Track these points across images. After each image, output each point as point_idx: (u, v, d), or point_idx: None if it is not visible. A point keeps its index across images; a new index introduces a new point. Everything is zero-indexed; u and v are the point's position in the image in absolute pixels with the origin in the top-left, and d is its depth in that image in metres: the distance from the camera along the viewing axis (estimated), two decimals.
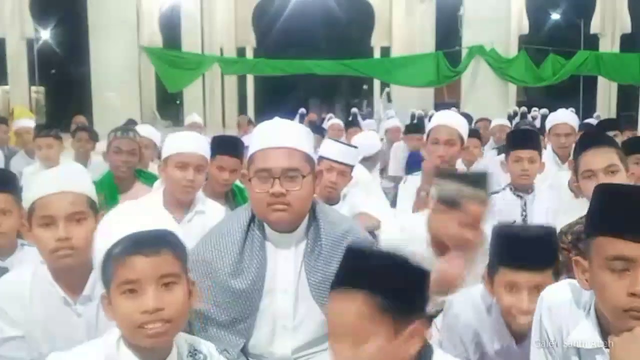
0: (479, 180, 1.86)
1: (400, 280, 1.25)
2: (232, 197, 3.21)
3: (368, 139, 4.91)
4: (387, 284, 1.23)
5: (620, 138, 4.79)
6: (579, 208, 3.44)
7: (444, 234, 1.79)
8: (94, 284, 1.78)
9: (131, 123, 6.75)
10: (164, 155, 2.70)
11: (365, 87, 16.72)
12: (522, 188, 3.11)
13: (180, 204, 2.67)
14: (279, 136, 1.81)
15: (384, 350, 1.23)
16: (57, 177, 1.81)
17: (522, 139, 3.25)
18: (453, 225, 1.77)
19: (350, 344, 1.23)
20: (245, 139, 3.99)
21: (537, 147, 3.18)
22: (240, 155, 3.15)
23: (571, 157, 3.52)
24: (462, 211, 1.77)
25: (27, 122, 6.36)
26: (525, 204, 3.10)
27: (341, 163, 3.15)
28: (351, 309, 1.23)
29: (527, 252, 1.69)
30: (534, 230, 1.77)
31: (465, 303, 1.89)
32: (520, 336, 1.78)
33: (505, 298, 1.72)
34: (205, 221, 2.62)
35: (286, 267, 1.87)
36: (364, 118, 12.77)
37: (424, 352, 1.33)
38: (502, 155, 4.09)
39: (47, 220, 1.74)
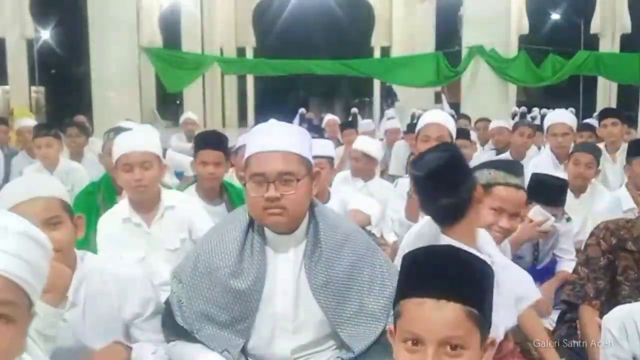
0: (512, 167, 2.18)
1: (488, 292, 1.22)
2: (226, 194, 3.21)
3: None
4: (480, 296, 1.19)
5: (619, 128, 4.80)
6: (580, 208, 3.47)
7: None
8: (77, 288, 1.77)
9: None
10: (113, 158, 2.65)
11: (387, 84, 16.21)
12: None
13: (146, 203, 2.62)
14: (273, 140, 1.80)
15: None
16: (25, 185, 1.78)
17: None
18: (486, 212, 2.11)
19: (443, 354, 1.15)
20: (241, 139, 4.04)
21: None
22: (222, 148, 3.17)
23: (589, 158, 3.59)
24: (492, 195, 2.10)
25: (28, 121, 6.37)
26: None
27: (315, 157, 3.16)
28: (451, 320, 1.15)
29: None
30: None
31: None
32: None
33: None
34: (178, 214, 2.62)
35: (286, 269, 1.87)
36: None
37: None
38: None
39: None
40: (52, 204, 1.74)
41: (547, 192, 2.93)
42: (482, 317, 1.17)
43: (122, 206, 2.65)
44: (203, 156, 3.09)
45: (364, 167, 4.20)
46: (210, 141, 3.18)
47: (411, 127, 6.53)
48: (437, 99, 14.95)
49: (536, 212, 2.89)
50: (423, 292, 1.17)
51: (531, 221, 2.85)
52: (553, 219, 2.88)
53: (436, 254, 1.24)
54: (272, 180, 1.76)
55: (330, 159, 3.29)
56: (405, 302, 1.19)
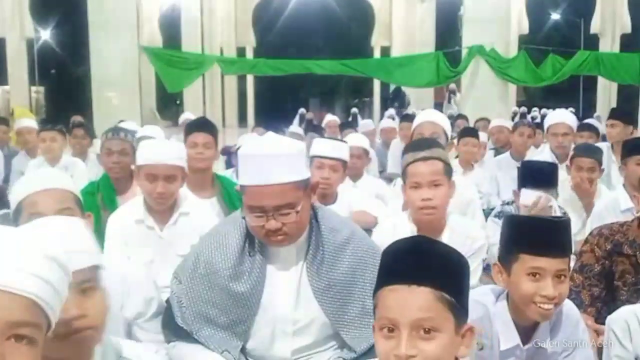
0: (419, 144, 2.35)
1: (460, 278, 1.26)
2: (219, 185, 3.20)
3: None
4: (452, 281, 1.23)
5: (619, 129, 4.79)
6: (584, 209, 3.46)
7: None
8: None
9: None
10: (137, 162, 2.64)
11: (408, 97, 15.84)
12: None
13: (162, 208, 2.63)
14: (268, 172, 1.72)
15: (448, 345, 1.20)
16: (40, 177, 1.82)
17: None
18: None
19: (417, 338, 1.18)
20: (241, 139, 4.02)
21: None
22: (211, 132, 3.23)
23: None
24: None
25: (28, 122, 6.38)
26: None
27: (331, 158, 3.16)
28: (422, 303, 1.18)
29: (551, 238, 1.65)
30: (551, 219, 1.72)
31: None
32: (526, 336, 1.76)
33: (528, 285, 1.66)
34: (191, 222, 2.61)
35: (286, 272, 1.86)
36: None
37: None
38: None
39: (35, 218, 1.65)
40: (65, 195, 1.76)
41: (536, 174, 2.98)
42: (455, 302, 1.20)
43: (136, 207, 2.63)
44: (192, 138, 3.12)
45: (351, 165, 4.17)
46: (198, 126, 3.26)
47: (406, 117, 6.49)
48: (449, 99, 14.91)
49: (526, 195, 2.91)
50: (395, 279, 1.21)
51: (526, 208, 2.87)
52: (545, 195, 2.87)
53: (408, 243, 1.28)
54: (271, 213, 1.74)
55: (344, 162, 3.27)
56: (380, 292, 1.24)
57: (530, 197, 2.91)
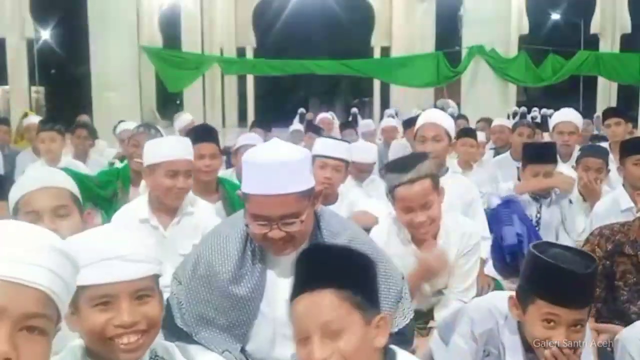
0: (401, 165, 2.30)
1: (362, 274, 1.30)
2: (222, 189, 3.22)
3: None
4: (352, 278, 1.27)
5: (623, 127, 4.80)
6: (589, 210, 3.46)
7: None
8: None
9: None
10: (149, 161, 2.62)
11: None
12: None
13: (168, 207, 2.63)
14: (274, 182, 1.67)
15: (360, 339, 1.24)
16: (38, 175, 1.83)
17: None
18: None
19: (328, 340, 1.23)
20: (241, 139, 4.03)
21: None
22: (216, 141, 3.26)
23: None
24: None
25: (33, 119, 6.43)
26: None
27: (334, 158, 3.16)
28: (325, 306, 1.24)
29: (572, 290, 1.56)
30: (577, 264, 1.58)
31: (482, 310, 1.84)
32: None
33: (540, 330, 1.61)
34: (194, 222, 2.62)
35: (287, 278, 1.84)
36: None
37: (388, 353, 1.35)
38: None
39: (32, 216, 1.72)
40: (62, 193, 1.77)
41: (538, 150, 3.43)
42: (360, 299, 1.26)
43: (141, 206, 2.64)
44: (200, 149, 3.07)
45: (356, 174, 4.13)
46: (204, 135, 3.25)
47: (408, 122, 6.47)
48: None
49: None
50: (299, 290, 1.28)
51: None
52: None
53: (302, 254, 1.36)
54: (275, 222, 1.71)
55: (347, 162, 3.27)
56: (291, 306, 1.30)
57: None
